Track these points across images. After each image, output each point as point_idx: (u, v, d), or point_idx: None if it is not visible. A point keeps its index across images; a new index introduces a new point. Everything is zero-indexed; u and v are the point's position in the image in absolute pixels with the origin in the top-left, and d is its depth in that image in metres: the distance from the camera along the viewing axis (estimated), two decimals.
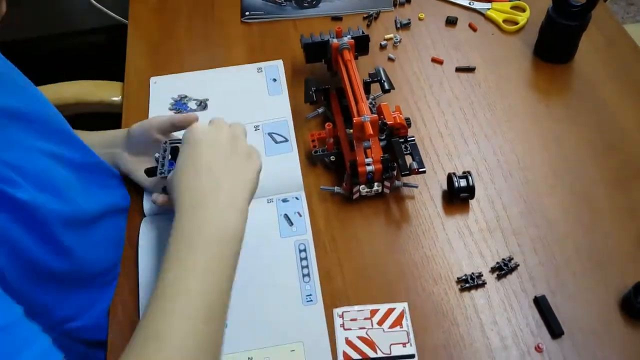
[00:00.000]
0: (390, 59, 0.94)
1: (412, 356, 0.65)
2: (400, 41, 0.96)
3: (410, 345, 0.66)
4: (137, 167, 0.77)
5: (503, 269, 0.71)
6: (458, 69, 0.92)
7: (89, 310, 0.69)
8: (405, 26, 0.98)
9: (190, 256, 0.55)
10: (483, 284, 0.70)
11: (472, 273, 0.70)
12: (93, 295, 0.70)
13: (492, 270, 0.71)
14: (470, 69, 0.92)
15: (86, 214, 0.68)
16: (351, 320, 0.68)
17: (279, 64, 0.94)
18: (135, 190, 0.79)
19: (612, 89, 0.88)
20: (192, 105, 0.89)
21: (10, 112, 0.61)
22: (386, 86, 0.82)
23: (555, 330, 0.66)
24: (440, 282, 0.70)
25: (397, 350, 0.65)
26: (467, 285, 0.70)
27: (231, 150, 0.63)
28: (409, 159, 0.76)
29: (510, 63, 0.93)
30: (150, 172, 0.72)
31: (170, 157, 0.70)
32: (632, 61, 0.92)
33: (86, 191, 0.69)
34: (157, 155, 0.71)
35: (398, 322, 0.68)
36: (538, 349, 0.65)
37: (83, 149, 0.72)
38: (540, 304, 0.68)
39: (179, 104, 0.89)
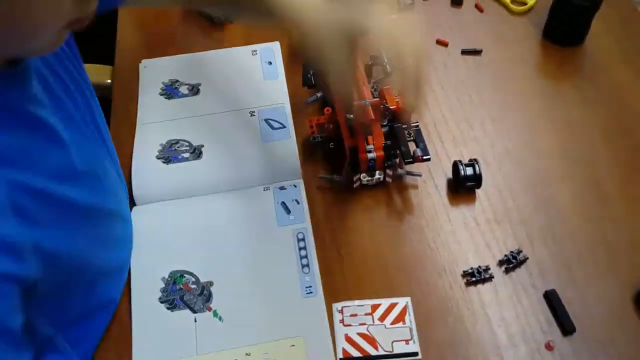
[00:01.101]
0: None
1: (416, 354, 0.62)
2: None
3: (414, 342, 0.63)
4: None
5: (511, 262, 0.67)
6: (464, 52, 0.88)
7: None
8: (409, 7, 0.94)
9: None
10: (490, 278, 0.66)
11: (479, 266, 0.67)
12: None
13: (500, 263, 0.68)
14: (476, 52, 0.88)
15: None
16: (351, 315, 0.65)
17: (274, 46, 0.90)
18: None
19: (625, 72, 0.84)
20: (183, 90, 0.85)
21: None
22: (388, 69, 0.78)
23: (566, 326, 0.63)
24: (445, 276, 0.67)
25: (400, 348, 0.62)
26: (473, 279, 0.66)
27: None
28: (412, 146, 0.72)
29: (518, 45, 0.89)
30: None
31: None
32: None
33: None
34: None
35: (401, 317, 0.64)
36: (548, 346, 0.61)
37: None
38: (551, 298, 0.64)
39: (170, 89, 0.85)
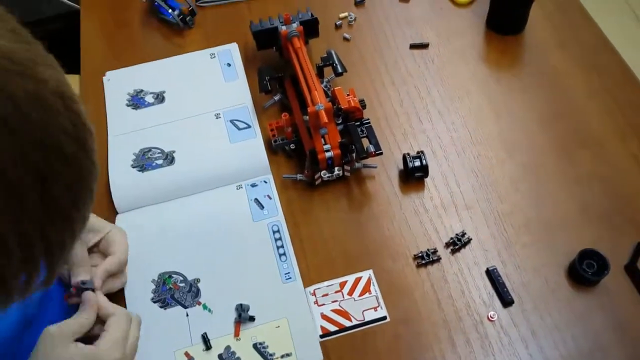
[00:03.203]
0: (346, 39, 0.95)
1: (384, 318, 0.69)
2: (355, 19, 0.96)
3: (381, 308, 0.70)
4: None
5: (457, 244, 0.74)
6: (412, 46, 0.93)
7: None
8: (361, 3, 0.98)
9: None
10: (438, 260, 0.74)
11: (428, 249, 0.74)
12: None
13: (447, 245, 0.75)
14: (423, 45, 0.93)
15: None
16: (323, 295, 0.72)
17: (232, 47, 0.94)
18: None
19: (562, 56, 0.90)
20: (149, 99, 0.89)
21: None
22: (339, 69, 0.82)
23: (505, 299, 0.70)
24: (398, 260, 0.74)
25: (370, 315, 0.70)
26: (423, 261, 0.73)
27: None
28: (365, 142, 0.78)
29: (463, 37, 0.94)
30: None
31: None
32: (581, 28, 0.94)
33: None
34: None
35: (367, 288, 0.72)
36: (489, 319, 0.69)
37: None
38: (492, 275, 0.72)
39: (136, 99, 0.89)
